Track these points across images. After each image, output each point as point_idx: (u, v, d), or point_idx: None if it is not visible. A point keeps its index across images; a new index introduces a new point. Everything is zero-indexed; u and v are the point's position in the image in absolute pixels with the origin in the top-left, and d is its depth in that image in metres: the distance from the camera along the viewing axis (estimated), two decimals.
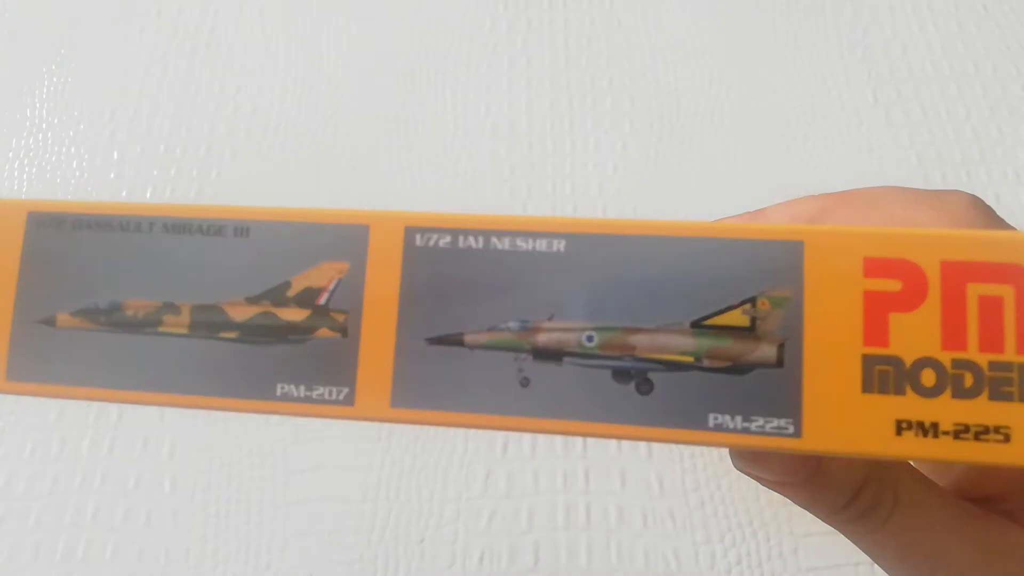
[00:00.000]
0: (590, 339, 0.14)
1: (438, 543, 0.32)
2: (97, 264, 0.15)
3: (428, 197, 0.39)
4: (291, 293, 0.14)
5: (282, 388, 0.14)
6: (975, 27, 0.42)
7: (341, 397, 0.14)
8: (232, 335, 0.15)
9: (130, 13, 0.45)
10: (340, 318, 0.14)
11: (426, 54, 0.43)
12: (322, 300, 0.14)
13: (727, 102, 0.41)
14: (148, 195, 0.40)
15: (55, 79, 0.43)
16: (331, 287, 0.14)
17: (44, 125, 0.42)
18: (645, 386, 0.13)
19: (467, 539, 0.32)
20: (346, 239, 0.14)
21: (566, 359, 0.14)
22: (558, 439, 0.33)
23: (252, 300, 0.15)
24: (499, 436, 0.34)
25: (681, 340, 0.13)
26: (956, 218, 0.18)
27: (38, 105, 0.43)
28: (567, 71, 0.42)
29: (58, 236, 0.15)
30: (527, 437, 0.34)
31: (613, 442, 0.33)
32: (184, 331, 0.15)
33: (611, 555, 0.32)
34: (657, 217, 0.38)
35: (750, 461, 0.17)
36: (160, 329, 0.15)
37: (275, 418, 0.34)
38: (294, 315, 0.14)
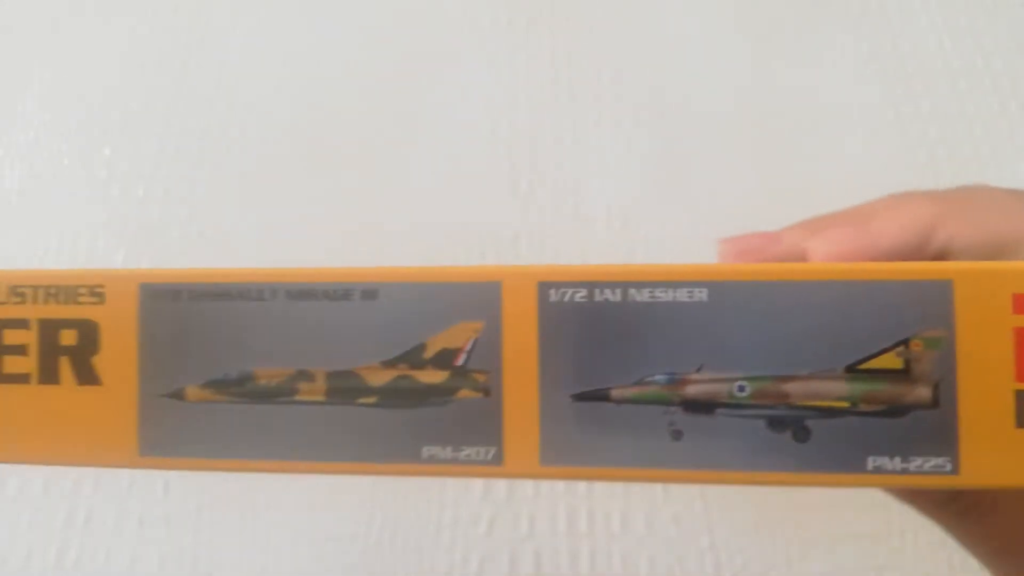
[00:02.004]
0: (742, 389, 0.14)
1: (436, 550, 0.31)
2: (221, 334, 0.15)
3: (427, 195, 0.38)
4: (427, 355, 0.14)
5: (428, 450, 0.14)
6: (984, 22, 0.41)
7: (490, 457, 0.14)
8: (371, 400, 0.14)
9: (124, 9, 0.43)
10: (481, 378, 0.14)
11: (425, 50, 0.41)
12: (460, 361, 0.14)
13: (733, 98, 0.39)
14: (141, 193, 0.38)
15: (47, 75, 0.41)
16: (468, 347, 0.14)
17: (36, 121, 0.41)
18: (802, 433, 0.13)
19: (466, 546, 0.31)
20: (478, 297, 0.14)
21: (718, 410, 0.14)
22: None
23: (388, 364, 0.14)
24: None
25: (836, 386, 0.13)
26: None
27: (28, 102, 0.41)
28: (569, 67, 0.40)
29: (175, 307, 0.15)
30: None
31: None
32: (321, 398, 0.15)
33: (614, 562, 0.31)
34: (663, 218, 0.37)
35: None
36: (296, 397, 0.15)
37: None
38: (433, 377, 0.14)
